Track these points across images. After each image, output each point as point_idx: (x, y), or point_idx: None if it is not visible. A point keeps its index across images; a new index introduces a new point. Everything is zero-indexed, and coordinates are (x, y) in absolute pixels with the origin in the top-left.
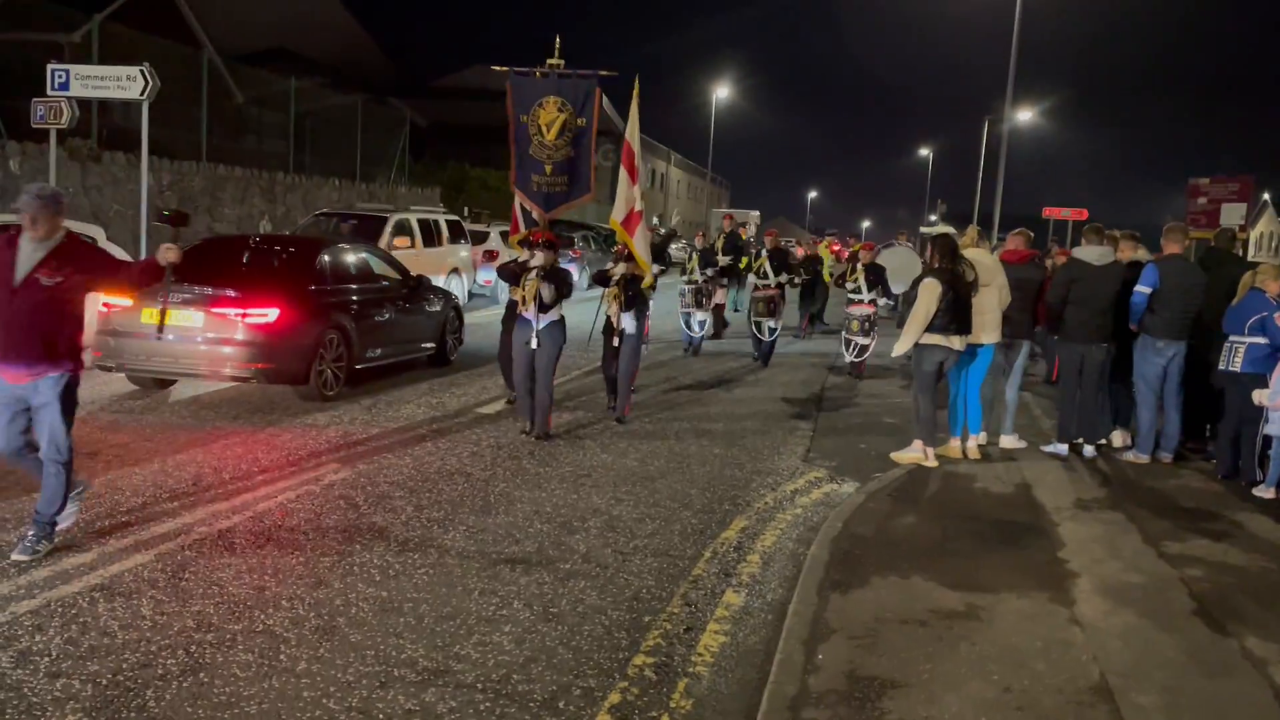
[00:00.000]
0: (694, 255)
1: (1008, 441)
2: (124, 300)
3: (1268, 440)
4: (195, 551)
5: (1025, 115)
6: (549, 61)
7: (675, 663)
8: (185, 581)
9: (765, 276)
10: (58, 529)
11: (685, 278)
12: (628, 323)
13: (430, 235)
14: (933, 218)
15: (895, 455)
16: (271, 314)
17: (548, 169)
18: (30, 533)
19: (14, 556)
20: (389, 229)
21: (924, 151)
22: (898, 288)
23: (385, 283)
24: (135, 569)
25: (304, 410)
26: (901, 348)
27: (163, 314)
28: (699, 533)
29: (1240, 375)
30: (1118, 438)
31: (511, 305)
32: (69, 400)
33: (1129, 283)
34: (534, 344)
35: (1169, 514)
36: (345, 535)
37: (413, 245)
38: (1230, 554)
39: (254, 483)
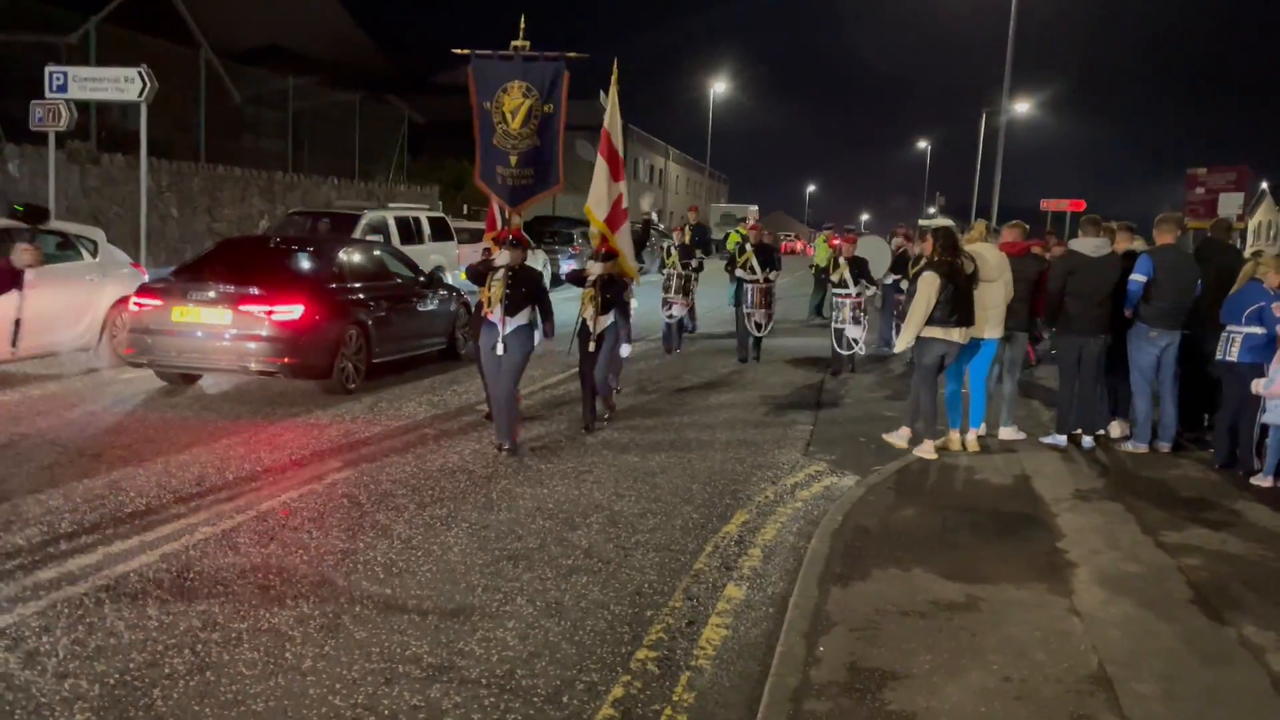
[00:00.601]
0: (673, 250)
1: (1006, 433)
2: (154, 300)
3: (1265, 429)
4: (200, 551)
5: (1022, 107)
6: (513, 44)
7: (677, 656)
8: (190, 581)
9: (753, 271)
10: None
11: (665, 271)
12: (606, 326)
13: (409, 233)
14: (931, 210)
15: (886, 436)
16: (297, 311)
17: (513, 160)
18: None
19: None
20: (360, 228)
21: (922, 144)
22: (877, 273)
23: (399, 280)
24: (140, 569)
25: (306, 409)
26: (904, 342)
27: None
28: (700, 527)
29: (1237, 365)
30: (1116, 428)
31: (478, 308)
32: None
33: (1126, 273)
34: (500, 349)
35: (1167, 504)
36: (349, 533)
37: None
38: (1228, 543)
39: (257, 482)
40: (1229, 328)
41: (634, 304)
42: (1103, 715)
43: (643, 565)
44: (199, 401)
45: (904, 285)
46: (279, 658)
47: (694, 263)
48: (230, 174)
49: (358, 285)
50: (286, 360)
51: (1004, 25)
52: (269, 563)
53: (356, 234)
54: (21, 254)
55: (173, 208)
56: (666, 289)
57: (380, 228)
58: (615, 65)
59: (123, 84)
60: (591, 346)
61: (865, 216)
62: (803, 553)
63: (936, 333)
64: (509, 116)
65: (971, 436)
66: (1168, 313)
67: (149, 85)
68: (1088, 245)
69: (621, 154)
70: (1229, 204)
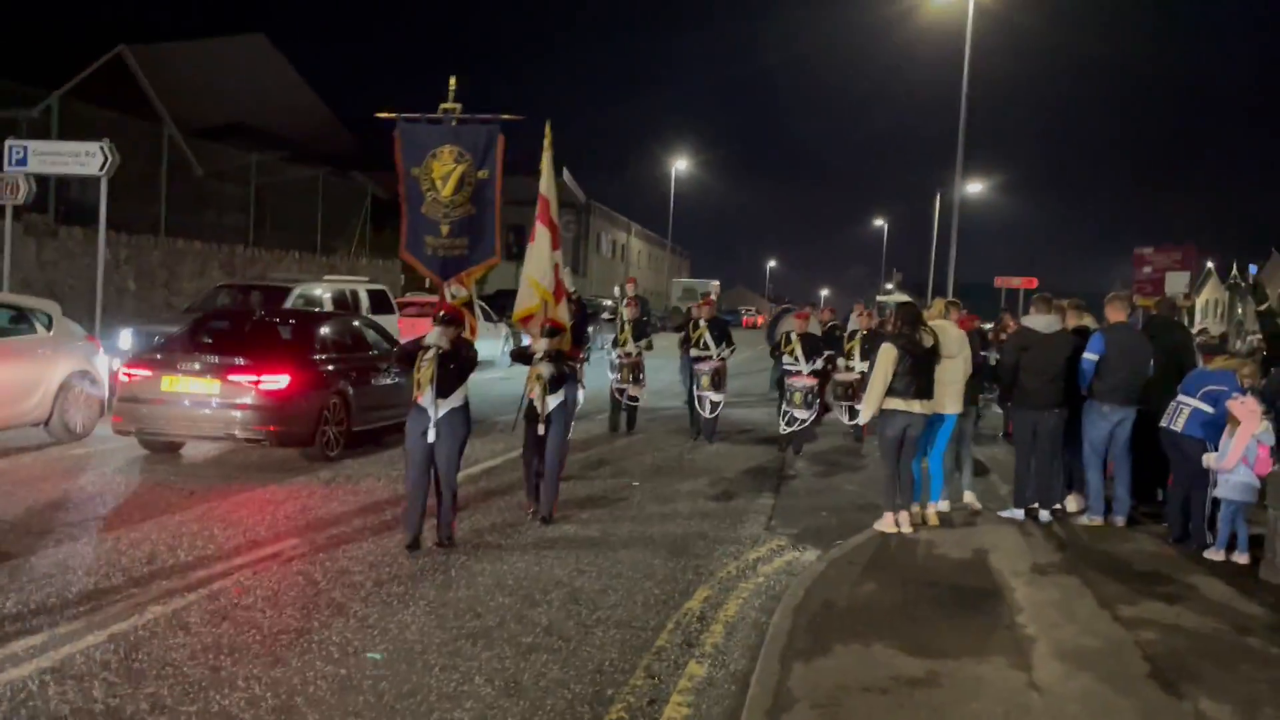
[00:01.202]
0: (626, 326)
1: (968, 497)
2: (144, 370)
3: (1217, 503)
4: (149, 631)
5: (976, 188)
6: (443, 106)
7: None
8: (138, 662)
9: (706, 348)
10: None
11: (616, 350)
12: (554, 407)
13: (346, 306)
14: (889, 286)
15: (877, 525)
16: (283, 380)
17: (444, 229)
18: None
19: None
20: (292, 300)
21: (879, 222)
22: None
23: (376, 352)
24: (87, 650)
25: (261, 483)
26: (865, 415)
27: None
28: (662, 603)
29: (1181, 437)
30: (1072, 503)
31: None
32: None
33: (1078, 349)
34: (431, 435)
35: (1123, 578)
36: (303, 612)
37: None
38: (1183, 617)
39: (209, 559)
40: (1181, 397)
41: (581, 395)
42: None
43: (604, 642)
44: (152, 476)
45: (849, 363)
46: None
47: (643, 343)
48: (190, 248)
49: (339, 356)
50: (272, 428)
51: (958, 112)
52: (220, 643)
53: (288, 307)
54: None
55: (130, 280)
56: (617, 371)
57: (314, 301)
58: (548, 128)
59: (84, 158)
60: (541, 429)
61: (825, 292)
62: (765, 628)
63: (898, 404)
64: (439, 183)
65: (932, 511)
66: (1119, 389)
67: (110, 159)
68: (1040, 322)
69: (558, 221)
70: (1176, 282)
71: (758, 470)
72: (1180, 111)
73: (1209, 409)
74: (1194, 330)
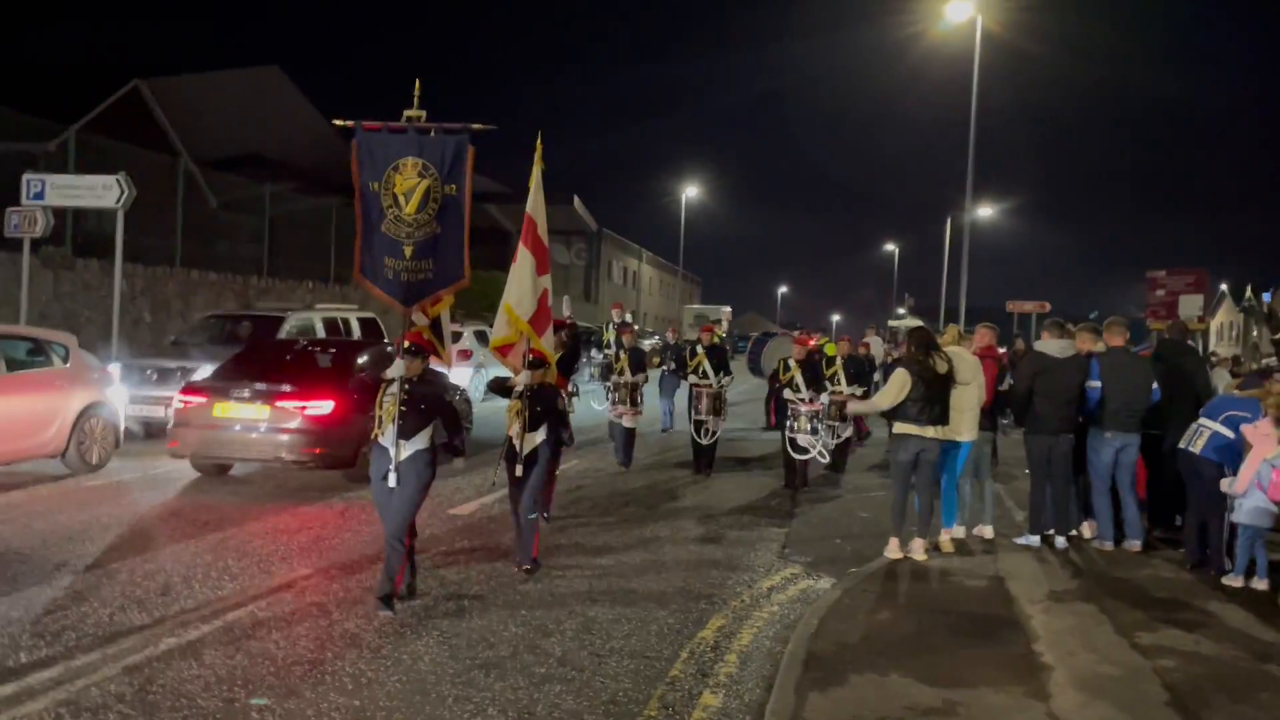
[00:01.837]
0: (622, 354)
1: (986, 531)
2: (198, 398)
3: (1234, 529)
4: (163, 663)
5: (987, 212)
6: (407, 114)
7: None
8: (153, 694)
9: (705, 376)
10: None
11: (612, 379)
12: (538, 445)
13: (338, 334)
14: (901, 310)
15: (886, 553)
16: (328, 406)
17: (407, 251)
18: None
19: None
20: (285, 330)
21: (890, 247)
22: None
23: None
24: (101, 683)
25: (275, 512)
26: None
27: None
28: (675, 632)
29: (1197, 459)
30: (1087, 529)
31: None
32: None
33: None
34: (392, 480)
35: (1141, 605)
36: (317, 643)
37: None
38: (1202, 644)
39: (223, 590)
40: (1202, 420)
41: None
42: None
43: (617, 673)
44: (167, 507)
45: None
46: None
47: (641, 376)
48: (205, 279)
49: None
50: (318, 450)
51: (968, 135)
52: (234, 674)
53: (281, 336)
54: None
55: (145, 312)
56: (614, 400)
57: (307, 330)
58: (539, 139)
59: (100, 191)
60: (519, 470)
61: (836, 317)
62: (779, 658)
63: (911, 429)
64: (401, 199)
65: (946, 538)
66: (1118, 413)
67: (126, 192)
68: (1053, 346)
69: (546, 243)
70: (1189, 305)
71: (769, 497)
72: (1190, 136)
73: (1229, 434)
74: (1209, 354)
